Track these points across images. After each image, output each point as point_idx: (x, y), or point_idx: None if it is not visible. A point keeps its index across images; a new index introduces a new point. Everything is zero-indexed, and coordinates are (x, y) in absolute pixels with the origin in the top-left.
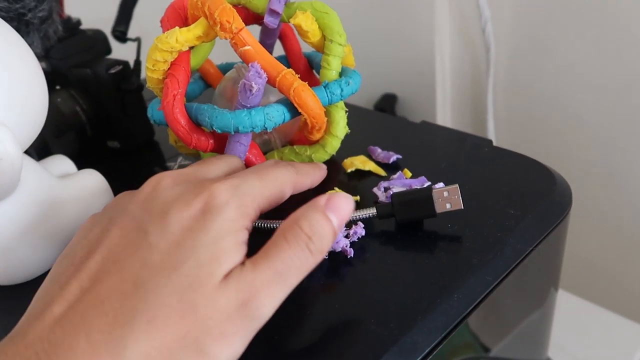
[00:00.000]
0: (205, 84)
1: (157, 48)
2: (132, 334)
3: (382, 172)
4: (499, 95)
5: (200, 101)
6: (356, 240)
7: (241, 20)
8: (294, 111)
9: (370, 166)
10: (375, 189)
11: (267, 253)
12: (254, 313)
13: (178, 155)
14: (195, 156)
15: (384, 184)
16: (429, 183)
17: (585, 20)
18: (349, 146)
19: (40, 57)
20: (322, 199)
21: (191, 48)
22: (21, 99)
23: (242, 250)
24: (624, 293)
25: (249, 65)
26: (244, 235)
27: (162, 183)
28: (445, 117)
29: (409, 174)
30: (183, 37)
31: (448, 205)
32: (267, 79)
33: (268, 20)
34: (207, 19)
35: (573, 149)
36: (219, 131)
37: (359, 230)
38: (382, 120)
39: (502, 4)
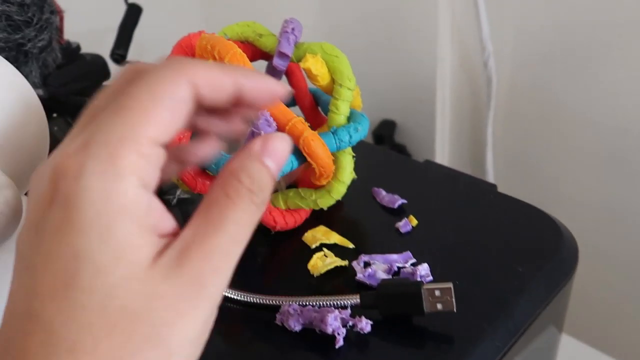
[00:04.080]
0: None
1: None
2: None
3: (348, 244)
4: (498, 129)
5: None
6: (360, 332)
7: (252, 65)
8: (301, 158)
9: (335, 238)
10: (354, 263)
11: (211, 217)
12: (211, 284)
13: (177, 188)
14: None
15: (364, 257)
16: (414, 260)
17: (585, 58)
18: (353, 186)
19: (37, 84)
20: (257, 144)
21: None
22: (19, 141)
23: (152, 221)
24: (625, 338)
25: (259, 112)
26: (146, 200)
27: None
28: (443, 147)
29: (415, 221)
30: None
31: (439, 306)
32: (276, 127)
33: (277, 63)
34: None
35: (572, 188)
36: None
37: (365, 326)
38: (384, 157)
39: (505, 39)
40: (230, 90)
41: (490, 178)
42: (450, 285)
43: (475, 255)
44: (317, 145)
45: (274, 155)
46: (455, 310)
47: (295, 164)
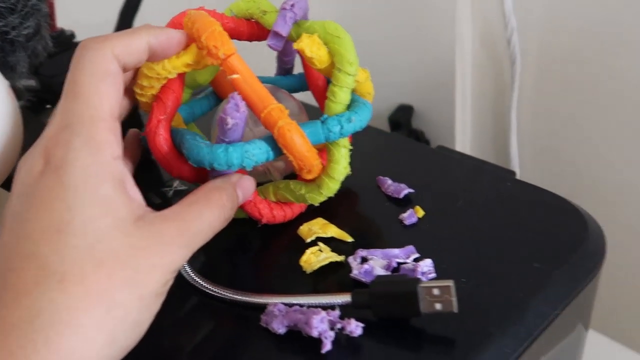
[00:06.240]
0: (217, 99)
1: (143, 74)
2: (45, 295)
3: (347, 238)
4: (524, 113)
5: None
6: (350, 335)
7: (232, 45)
8: (280, 149)
9: (333, 231)
10: (350, 259)
11: (193, 207)
12: (181, 251)
13: (174, 180)
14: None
15: (361, 252)
16: (417, 255)
17: (627, 31)
18: (357, 175)
19: (27, 74)
20: (234, 177)
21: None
22: None
23: (127, 187)
24: None
25: (229, 96)
26: (121, 170)
27: None
28: (465, 132)
29: (422, 213)
30: (171, 64)
31: (438, 306)
32: (245, 113)
33: (271, 42)
34: (196, 42)
35: (602, 176)
36: (195, 165)
37: (354, 329)
38: (394, 144)
39: (531, 12)
40: (144, 49)
41: (515, 166)
42: (450, 283)
43: (487, 250)
44: (293, 136)
45: (244, 190)
46: (456, 310)
47: (272, 154)
